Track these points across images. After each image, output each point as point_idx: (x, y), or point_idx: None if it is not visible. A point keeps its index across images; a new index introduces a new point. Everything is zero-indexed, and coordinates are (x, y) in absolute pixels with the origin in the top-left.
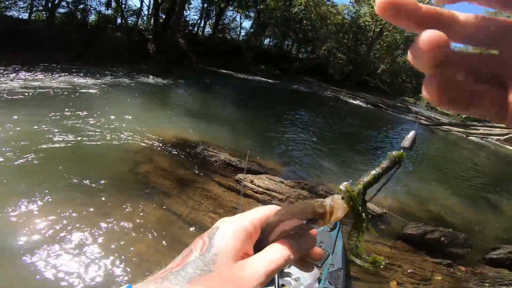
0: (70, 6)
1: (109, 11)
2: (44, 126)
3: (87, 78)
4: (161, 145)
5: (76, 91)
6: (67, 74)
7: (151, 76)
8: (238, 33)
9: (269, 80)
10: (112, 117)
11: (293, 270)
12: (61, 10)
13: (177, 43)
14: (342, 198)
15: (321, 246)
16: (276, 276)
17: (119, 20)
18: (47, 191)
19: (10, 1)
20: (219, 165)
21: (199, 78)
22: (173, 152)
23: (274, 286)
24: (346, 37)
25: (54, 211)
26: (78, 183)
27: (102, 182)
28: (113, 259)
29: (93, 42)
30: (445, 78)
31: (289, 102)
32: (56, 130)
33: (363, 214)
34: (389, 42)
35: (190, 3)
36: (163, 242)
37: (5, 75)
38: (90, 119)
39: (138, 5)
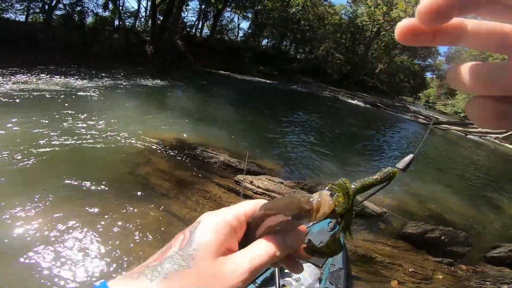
0: (67, 8)
1: (107, 13)
2: (42, 129)
3: (85, 80)
4: (160, 146)
5: (74, 93)
6: (64, 76)
7: (149, 78)
8: (236, 34)
9: (267, 81)
10: (111, 119)
11: None
12: (58, 12)
13: (175, 44)
14: (331, 195)
15: (321, 246)
16: (276, 276)
17: (116, 22)
18: (46, 192)
19: (7, 4)
20: (219, 166)
21: (197, 79)
22: (172, 154)
23: (275, 286)
24: (344, 37)
25: (53, 212)
26: (77, 185)
27: (101, 183)
28: (113, 260)
29: (90, 44)
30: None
31: (288, 102)
32: (55, 133)
33: (350, 216)
34: (386, 42)
35: (187, 5)
36: (163, 243)
37: (3, 77)
38: (88, 121)
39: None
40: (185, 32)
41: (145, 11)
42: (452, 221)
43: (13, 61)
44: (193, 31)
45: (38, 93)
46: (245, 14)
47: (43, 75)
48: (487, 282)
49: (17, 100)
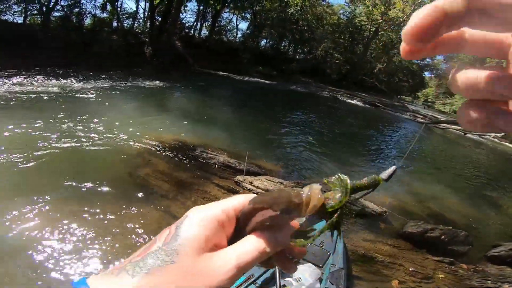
0: (65, 9)
1: (105, 14)
2: (41, 131)
3: (83, 81)
4: (159, 148)
5: (73, 95)
6: (63, 78)
7: (148, 79)
8: (235, 34)
9: (266, 81)
10: (110, 120)
11: None
12: (56, 14)
13: (173, 45)
14: (322, 190)
15: (321, 246)
16: (277, 276)
17: (115, 23)
18: (46, 194)
19: (4, 5)
20: (218, 167)
21: (196, 80)
22: (172, 155)
23: (275, 286)
24: (343, 37)
25: (53, 214)
26: (76, 187)
27: (100, 185)
28: (112, 261)
29: (89, 46)
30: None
31: (287, 102)
32: (54, 135)
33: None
34: (385, 42)
35: (186, 6)
36: None
37: (2, 79)
38: (87, 123)
39: (134, 8)
40: (184, 33)
41: (144, 12)
42: (452, 220)
43: (12, 62)
44: (192, 32)
45: (37, 95)
46: (243, 14)
47: (41, 76)
48: (489, 281)
49: (16, 102)
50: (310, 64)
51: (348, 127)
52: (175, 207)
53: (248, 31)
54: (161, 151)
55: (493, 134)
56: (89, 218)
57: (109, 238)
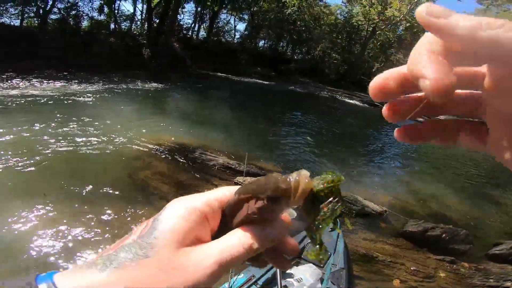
0: (62, 12)
1: (102, 17)
2: (41, 134)
3: (82, 84)
4: (159, 150)
5: (71, 98)
6: (61, 81)
7: (147, 81)
8: (233, 35)
9: (265, 82)
10: (109, 123)
11: (295, 270)
12: (53, 17)
13: (171, 47)
14: (311, 176)
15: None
16: (278, 276)
17: (112, 26)
18: (46, 197)
19: (1, 8)
20: (218, 168)
21: (194, 81)
22: (171, 157)
23: (276, 286)
24: (340, 37)
25: (53, 216)
26: (76, 189)
27: (101, 187)
28: None
29: (87, 48)
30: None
31: (286, 103)
32: (54, 138)
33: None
34: (382, 41)
35: (183, 7)
36: None
37: (1, 82)
38: (86, 126)
39: (131, 10)
40: (182, 34)
41: (141, 14)
42: (453, 219)
43: (8, 66)
44: (190, 33)
45: (35, 99)
46: (241, 15)
47: (39, 80)
48: (491, 280)
49: (16, 105)
50: (308, 64)
51: (347, 127)
52: None
53: (246, 32)
54: (161, 153)
55: None
56: (89, 219)
57: (109, 239)
